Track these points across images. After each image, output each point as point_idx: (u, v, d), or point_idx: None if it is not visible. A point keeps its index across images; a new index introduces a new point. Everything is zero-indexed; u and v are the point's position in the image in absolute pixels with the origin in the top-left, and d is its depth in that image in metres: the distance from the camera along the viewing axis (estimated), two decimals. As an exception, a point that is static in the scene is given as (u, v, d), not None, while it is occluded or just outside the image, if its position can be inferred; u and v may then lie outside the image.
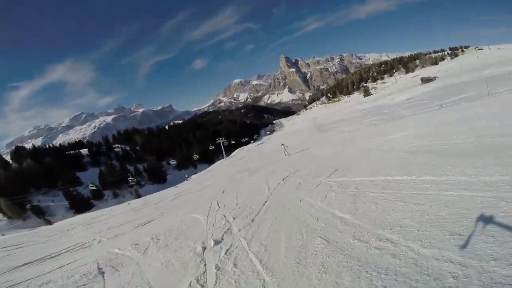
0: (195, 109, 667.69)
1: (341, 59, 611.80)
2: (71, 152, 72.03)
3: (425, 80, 62.81)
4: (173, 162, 59.05)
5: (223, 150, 50.28)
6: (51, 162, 54.43)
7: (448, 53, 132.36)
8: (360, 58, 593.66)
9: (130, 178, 37.69)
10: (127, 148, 78.67)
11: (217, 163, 45.39)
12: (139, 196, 41.36)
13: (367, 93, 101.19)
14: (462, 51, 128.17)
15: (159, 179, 59.00)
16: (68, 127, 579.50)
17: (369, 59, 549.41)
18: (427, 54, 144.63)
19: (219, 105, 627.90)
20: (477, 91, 26.00)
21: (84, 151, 73.26)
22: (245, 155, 36.79)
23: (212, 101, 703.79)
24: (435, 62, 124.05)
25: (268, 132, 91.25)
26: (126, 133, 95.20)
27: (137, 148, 78.64)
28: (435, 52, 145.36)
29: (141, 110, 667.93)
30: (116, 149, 77.71)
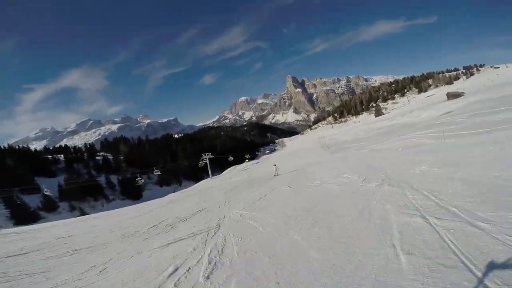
0: (200, 124, 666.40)
1: (348, 81, 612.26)
2: (48, 156, 64.22)
3: (453, 96, 53.93)
4: (156, 172, 48.36)
5: (208, 167, 41.10)
6: (12, 163, 45.89)
7: (462, 72, 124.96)
8: (366, 80, 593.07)
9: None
10: (110, 157, 70.12)
11: (197, 184, 36.38)
12: (83, 213, 32.36)
13: (378, 112, 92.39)
14: (478, 69, 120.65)
15: (133, 195, 49.42)
16: (74, 132, 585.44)
17: (376, 81, 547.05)
18: (440, 73, 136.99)
19: (224, 121, 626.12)
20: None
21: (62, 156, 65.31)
22: (232, 176, 27.64)
23: (217, 117, 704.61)
24: (449, 81, 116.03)
25: (267, 151, 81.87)
26: (115, 142, 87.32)
27: (121, 157, 70.02)
28: (448, 71, 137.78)
29: (147, 121, 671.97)
30: (97, 157, 69.26)
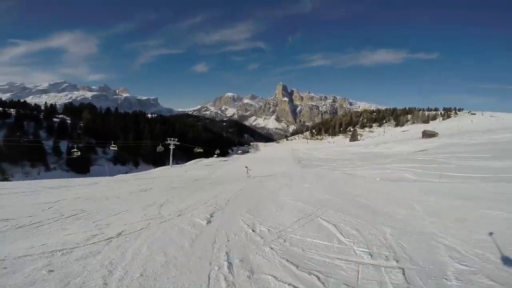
0: (180, 109, 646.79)
1: (334, 101, 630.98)
2: None
3: (427, 135, 55.47)
4: (113, 147, 42.27)
5: (171, 154, 37.33)
6: None
7: (441, 113, 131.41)
8: (351, 104, 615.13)
9: (74, 150, 31.52)
10: (68, 121, 62.94)
11: (153, 170, 32.78)
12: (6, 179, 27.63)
13: (354, 137, 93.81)
14: (456, 113, 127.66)
15: (78, 167, 43.85)
16: (43, 91, 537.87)
17: (359, 106, 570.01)
18: (420, 110, 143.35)
19: (204, 112, 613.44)
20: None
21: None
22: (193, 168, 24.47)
23: (199, 106, 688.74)
24: (426, 120, 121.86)
25: (240, 151, 79.06)
26: (80, 106, 79.40)
27: (81, 124, 63.11)
28: (428, 110, 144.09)
29: (125, 95, 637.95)
30: (54, 119, 61.75)
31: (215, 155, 55.46)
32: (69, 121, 62.32)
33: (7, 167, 37.57)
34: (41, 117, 58.73)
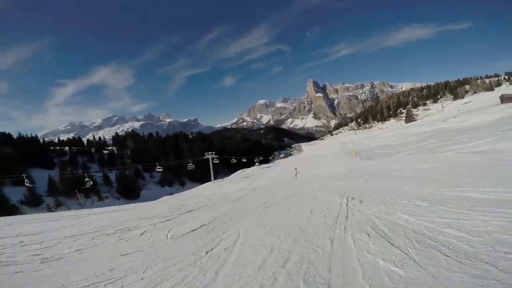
0: (219, 125, 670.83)
1: (372, 87, 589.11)
2: (56, 148, 62.38)
3: (508, 99, 44.60)
4: (159, 169, 41.99)
5: (211, 169, 35.35)
6: (7, 151, 42.72)
7: (504, 78, 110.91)
8: (392, 87, 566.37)
9: (86, 179, 31.16)
10: (116, 152, 66.82)
11: (197, 187, 30.81)
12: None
13: (410, 118, 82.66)
14: None
15: (129, 194, 44.64)
16: (99, 127, 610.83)
17: (402, 88, 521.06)
18: (477, 79, 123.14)
19: (242, 124, 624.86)
20: None
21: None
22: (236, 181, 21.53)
23: (236, 119, 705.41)
24: (490, 88, 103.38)
25: (282, 155, 75.08)
26: (125, 136, 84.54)
27: (128, 153, 66.38)
28: (487, 77, 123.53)
29: (168, 120, 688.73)
30: (104, 151, 66.14)
31: (257, 163, 53.24)
32: (117, 152, 66.00)
33: (63, 200, 39.63)
34: (92, 151, 63.02)
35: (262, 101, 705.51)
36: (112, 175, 47.54)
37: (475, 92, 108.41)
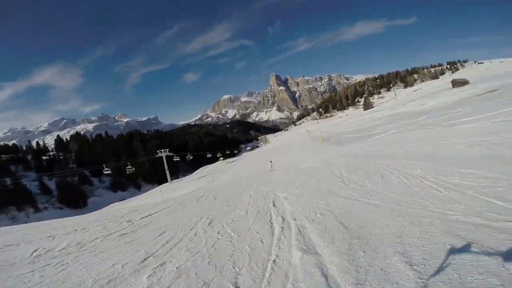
0: (182, 122, 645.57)
1: (330, 79, 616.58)
2: None
3: (459, 83, 48.09)
4: (107, 171, 35.86)
5: (166, 169, 31.74)
6: None
7: (447, 67, 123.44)
8: (347, 79, 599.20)
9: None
10: (61, 157, 58.49)
11: (149, 191, 27.28)
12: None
13: (367, 105, 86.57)
14: (462, 65, 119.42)
15: (74, 202, 38.76)
16: (45, 132, 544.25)
17: (357, 80, 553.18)
18: (424, 68, 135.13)
19: (206, 120, 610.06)
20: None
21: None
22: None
23: (199, 115, 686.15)
24: (435, 76, 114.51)
25: (248, 148, 73.28)
26: (69, 140, 74.87)
27: (73, 157, 58.50)
28: (432, 66, 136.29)
29: (125, 120, 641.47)
30: (43, 157, 57.27)
31: (221, 158, 50.71)
32: (61, 157, 57.64)
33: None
34: (29, 158, 54.13)
35: (227, 96, 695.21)
36: (52, 183, 40.84)
37: (422, 81, 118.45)
